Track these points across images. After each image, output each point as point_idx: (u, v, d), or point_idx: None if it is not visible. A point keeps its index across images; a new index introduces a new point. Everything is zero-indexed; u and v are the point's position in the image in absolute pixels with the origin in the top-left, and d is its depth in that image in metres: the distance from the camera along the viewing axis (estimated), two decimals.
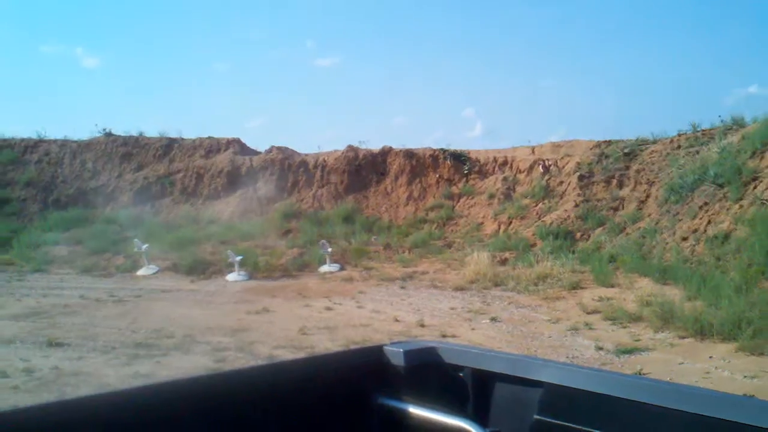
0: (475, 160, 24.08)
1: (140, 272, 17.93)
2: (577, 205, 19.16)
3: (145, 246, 18.04)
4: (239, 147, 26.92)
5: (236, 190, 24.75)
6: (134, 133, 28.07)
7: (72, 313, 13.14)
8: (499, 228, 20.35)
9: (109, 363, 9.51)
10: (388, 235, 20.98)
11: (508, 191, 21.98)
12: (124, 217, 23.47)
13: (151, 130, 28.21)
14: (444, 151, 24.56)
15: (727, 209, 13.93)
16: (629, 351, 9.49)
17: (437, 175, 23.93)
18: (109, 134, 27.90)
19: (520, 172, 22.60)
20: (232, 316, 12.67)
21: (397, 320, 12.04)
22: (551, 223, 18.75)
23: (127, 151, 27.21)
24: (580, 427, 2.08)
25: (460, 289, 14.81)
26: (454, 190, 23.30)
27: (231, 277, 16.97)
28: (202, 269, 17.71)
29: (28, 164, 26.83)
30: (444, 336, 10.61)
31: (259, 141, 37.24)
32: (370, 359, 2.63)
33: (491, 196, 22.02)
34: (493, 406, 2.42)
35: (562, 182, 20.88)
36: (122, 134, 27.99)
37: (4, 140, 28.03)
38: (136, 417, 2.01)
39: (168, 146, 27.22)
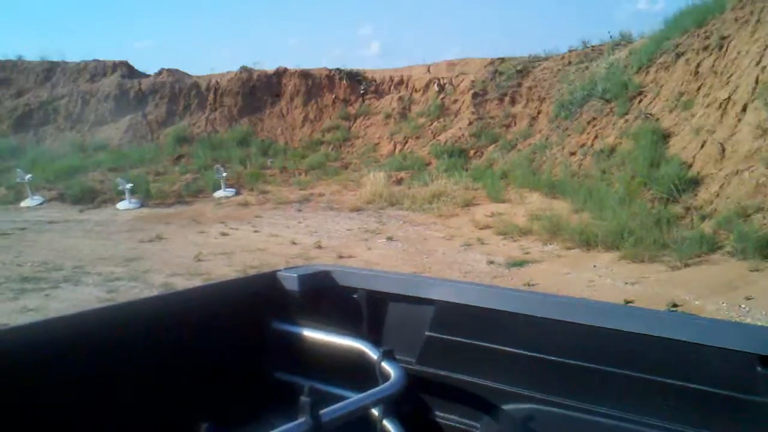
0: (372, 80, 23.94)
1: (24, 203, 17.18)
2: (470, 123, 19.39)
3: (28, 176, 17.25)
4: (127, 70, 25.83)
5: (125, 115, 23.84)
6: (12, 57, 26.53)
7: None
8: (395, 148, 20.45)
9: None
10: (284, 158, 20.78)
11: (404, 111, 22.02)
12: (4, 145, 22.33)
13: (32, 54, 26.74)
14: (340, 71, 24.29)
15: (614, 124, 14.37)
16: (519, 264, 9.80)
17: (333, 96, 23.70)
18: None
19: (416, 91, 22.63)
20: (124, 246, 12.36)
21: (294, 243, 12.03)
22: (446, 142, 18.96)
23: (5, 76, 25.69)
24: (470, 341, 2.15)
25: (356, 210, 14.90)
26: (351, 110, 23.16)
27: (122, 205, 16.49)
28: (90, 198, 17.11)
29: None
30: (341, 257, 10.69)
31: (149, 64, 35.93)
32: (264, 285, 2.63)
33: (387, 116, 22.02)
34: (386, 325, 2.46)
35: (456, 101, 21.05)
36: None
37: None
38: (23, 354, 1.94)
39: (50, 70, 25.84)
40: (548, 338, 1.99)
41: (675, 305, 7.03)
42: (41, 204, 17.12)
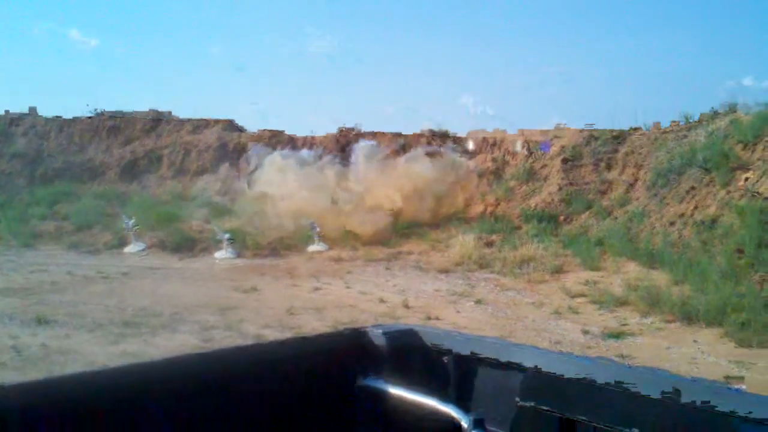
0: (464, 140, 23.95)
1: (127, 249, 17.85)
2: (560, 189, 19.12)
3: (131, 222, 17.95)
4: (229, 126, 26.66)
5: (224, 166, 24.54)
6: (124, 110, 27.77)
7: (60, 290, 13.12)
8: (486, 209, 20.30)
9: (96, 341, 9.52)
10: None
11: (497, 173, 21.90)
12: (111, 192, 23.36)
13: (142, 109, 27.93)
14: (432, 132, 24.42)
15: (714, 194, 14.01)
16: (616, 335, 9.57)
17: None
18: (100, 114, 27.58)
19: (509, 153, 22.51)
20: (220, 295, 12.68)
21: (382, 301, 12.09)
22: (535, 207, 18.74)
23: (114, 125, 26.93)
24: (562, 413, 2.11)
25: (445, 271, 14.84)
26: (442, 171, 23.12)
27: (219, 255, 16.96)
28: (189, 247, 17.67)
29: (14, 137, 26.53)
30: (428, 318, 10.67)
31: (252, 124, 36.87)
32: (352, 341, 2.64)
33: (479, 176, 21.93)
34: (475, 390, 2.44)
35: (545, 165, 20.81)
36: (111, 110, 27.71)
37: None
38: (120, 395, 2.03)
39: (156, 120, 26.95)
40: (650, 417, 1.91)
41: None
42: (143, 250, 17.74)
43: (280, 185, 20.02)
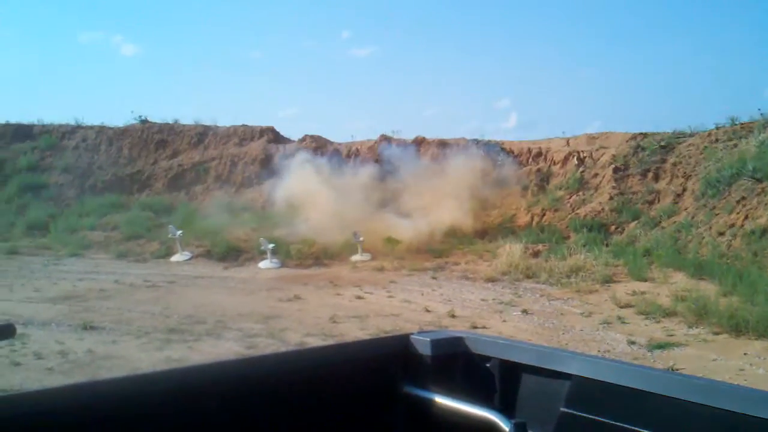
0: (509, 151, 23.85)
1: (174, 258, 18.10)
2: (611, 198, 18.94)
3: (179, 232, 18.20)
4: (273, 135, 26.93)
5: (269, 178, 24.75)
6: (169, 120, 28.25)
7: (107, 297, 13.34)
8: (532, 219, 20.15)
9: (142, 347, 9.64)
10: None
11: (542, 183, 21.75)
12: (158, 203, 23.75)
13: (186, 118, 28.36)
14: (477, 141, 24.36)
15: (765, 204, 13.71)
16: (662, 346, 9.39)
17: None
18: (144, 121, 28.10)
19: (555, 163, 22.34)
20: (264, 303, 12.76)
21: (427, 310, 12.04)
22: (585, 216, 18.57)
23: (162, 138, 27.40)
24: (607, 420, 2.07)
25: (491, 280, 14.75)
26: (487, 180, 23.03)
27: (263, 264, 17.09)
28: (234, 256, 17.86)
29: (65, 150, 27.15)
30: (474, 327, 10.59)
31: (293, 130, 37.20)
32: (396, 348, 2.64)
33: (525, 188, 21.80)
34: (519, 397, 2.41)
35: (596, 174, 20.63)
36: (158, 121, 28.18)
37: (43, 126, 28.40)
38: (165, 399, 2.04)
39: (203, 134, 27.35)
40: (695, 424, 1.87)
41: None
42: (189, 259, 17.98)
43: (318, 193, 20.09)
